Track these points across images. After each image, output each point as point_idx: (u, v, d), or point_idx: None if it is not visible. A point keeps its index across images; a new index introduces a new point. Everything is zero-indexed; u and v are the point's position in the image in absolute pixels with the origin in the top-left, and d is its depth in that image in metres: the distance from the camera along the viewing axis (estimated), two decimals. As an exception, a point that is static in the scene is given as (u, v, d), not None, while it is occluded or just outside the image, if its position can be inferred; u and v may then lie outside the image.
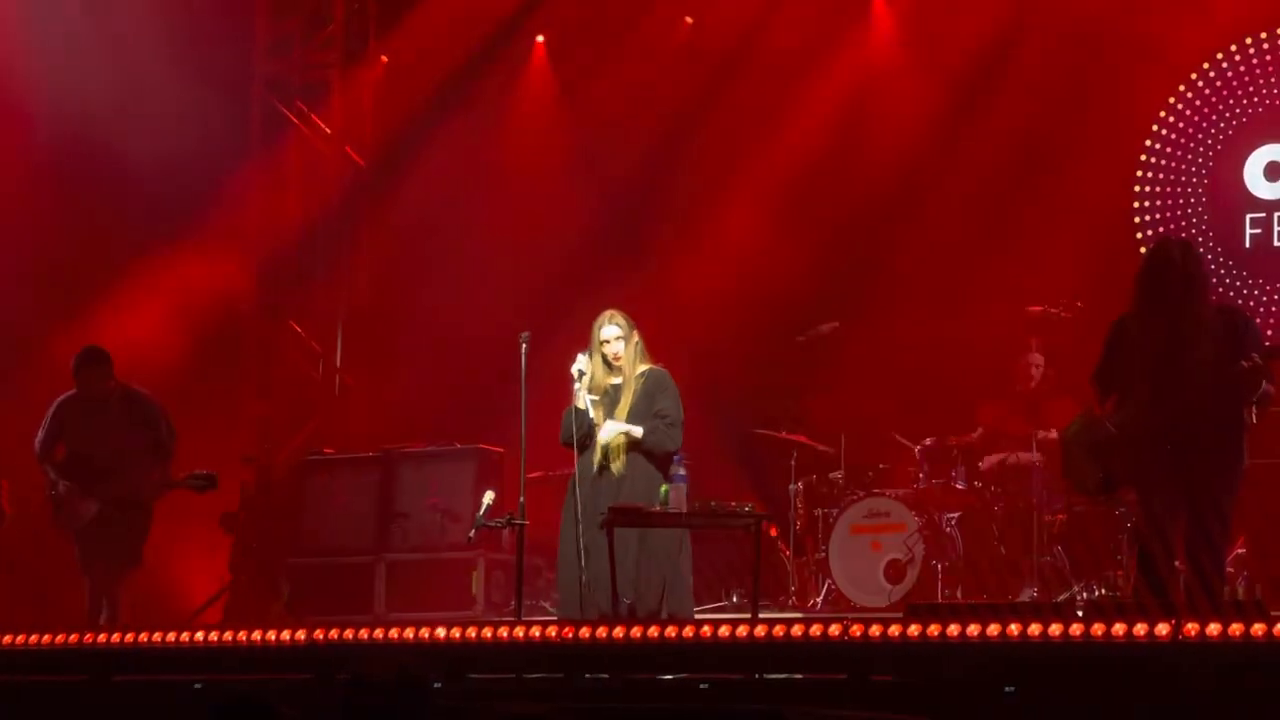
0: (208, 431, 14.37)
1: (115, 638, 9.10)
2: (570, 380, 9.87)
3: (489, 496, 10.02)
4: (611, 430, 9.83)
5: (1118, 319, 9.06)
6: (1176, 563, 8.76)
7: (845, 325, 13.42)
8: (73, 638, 9.21)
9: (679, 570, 9.84)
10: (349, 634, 8.70)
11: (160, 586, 13.65)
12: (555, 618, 9.95)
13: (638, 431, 9.85)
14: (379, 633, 8.71)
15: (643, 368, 9.96)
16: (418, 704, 5.24)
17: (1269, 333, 13.46)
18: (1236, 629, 7.12)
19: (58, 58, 14.23)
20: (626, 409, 9.87)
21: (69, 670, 9.11)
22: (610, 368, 9.93)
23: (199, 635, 9.06)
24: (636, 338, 9.94)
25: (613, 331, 9.91)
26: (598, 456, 9.84)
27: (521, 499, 9.77)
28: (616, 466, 9.80)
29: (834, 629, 7.80)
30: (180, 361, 14.08)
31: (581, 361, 9.88)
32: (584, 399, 9.82)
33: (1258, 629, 7.11)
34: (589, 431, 9.83)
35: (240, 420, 15.24)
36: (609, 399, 9.91)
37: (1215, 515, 8.62)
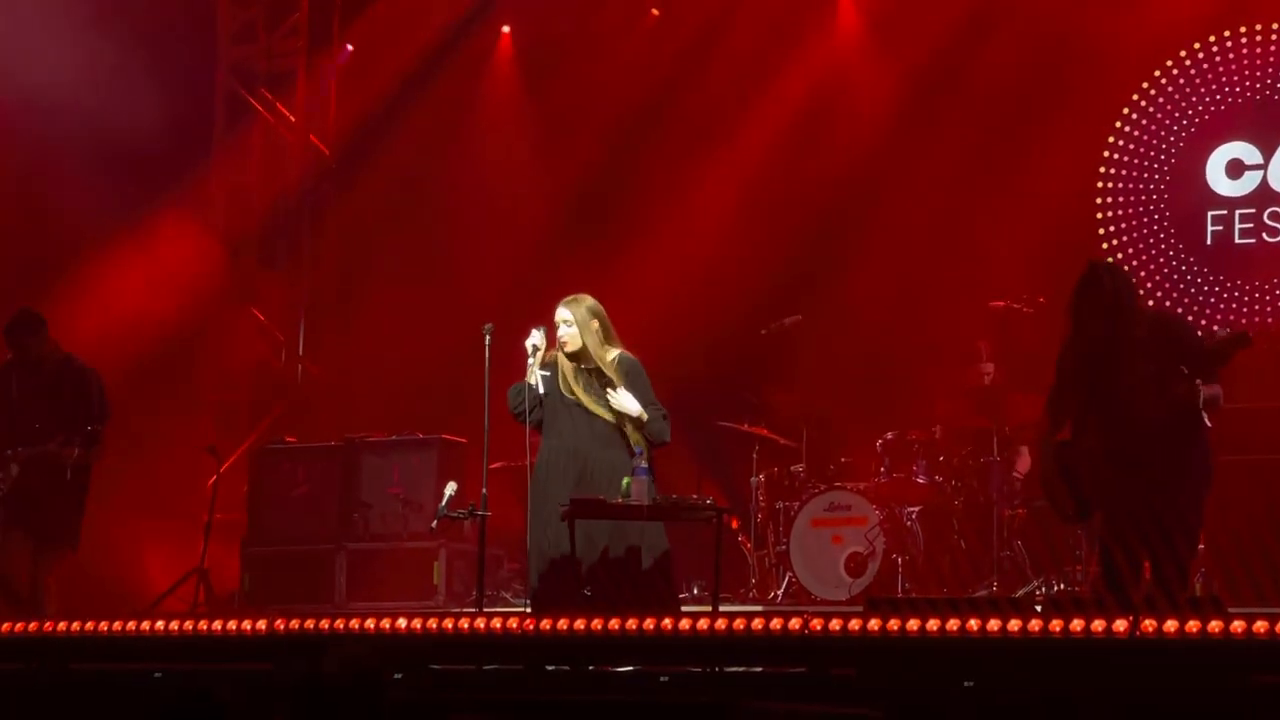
0: (168, 419, 14.37)
1: (75, 626, 9.06)
2: (525, 354, 9.76)
3: (451, 487, 9.99)
4: (624, 400, 9.66)
5: (1061, 348, 9.10)
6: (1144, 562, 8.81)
7: (808, 318, 13.43)
8: (31, 626, 9.18)
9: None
10: (309, 624, 8.69)
11: (127, 574, 13.67)
12: (516, 609, 9.95)
13: (640, 412, 9.65)
14: (339, 623, 8.70)
15: (614, 352, 9.78)
16: (372, 699, 5.21)
17: (1228, 329, 13.53)
18: (1193, 626, 7.15)
19: (19, 42, 14.18)
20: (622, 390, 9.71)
21: (25, 659, 9.07)
22: (566, 355, 9.80)
23: (159, 624, 9.02)
24: (596, 325, 9.72)
25: (563, 315, 9.73)
26: (566, 443, 9.76)
27: (484, 490, 9.75)
28: (586, 453, 9.70)
29: (794, 623, 7.81)
30: (141, 348, 14.04)
31: (536, 336, 9.73)
32: (535, 375, 9.71)
33: (1215, 626, 7.15)
34: (537, 405, 9.70)
35: (202, 408, 15.21)
36: (583, 376, 9.76)
37: (1181, 528, 8.65)
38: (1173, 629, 7.17)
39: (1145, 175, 14.21)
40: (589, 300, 9.82)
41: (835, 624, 7.74)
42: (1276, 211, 13.71)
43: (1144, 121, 14.23)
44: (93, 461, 11.30)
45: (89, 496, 11.38)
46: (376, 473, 13.63)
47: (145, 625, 9.01)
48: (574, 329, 9.70)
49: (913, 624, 7.59)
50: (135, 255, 14.52)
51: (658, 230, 14.74)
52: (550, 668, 8.19)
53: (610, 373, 9.70)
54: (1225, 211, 13.91)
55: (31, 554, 11.25)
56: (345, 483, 13.66)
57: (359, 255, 15.79)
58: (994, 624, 7.46)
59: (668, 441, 9.73)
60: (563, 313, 9.74)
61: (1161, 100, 14.19)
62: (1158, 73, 14.19)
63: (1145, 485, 8.65)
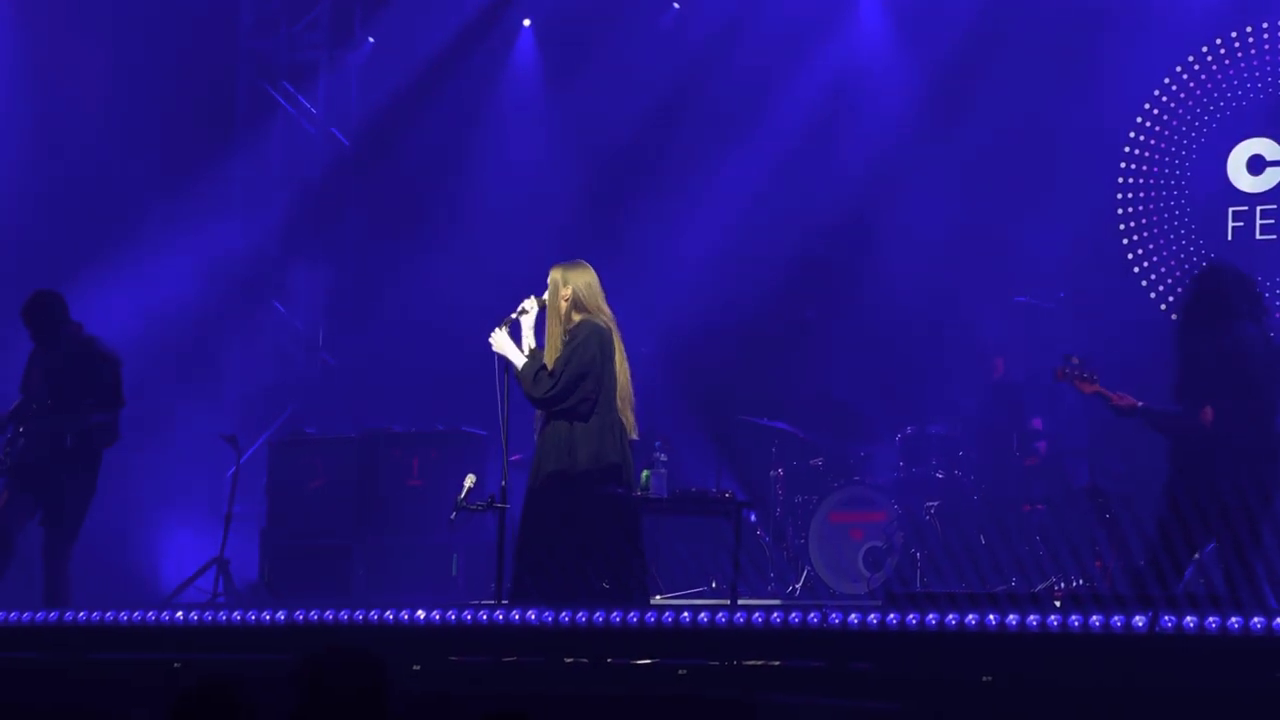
0: (189, 410, 14.40)
1: (95, 616, 9.09)
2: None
3: (470, 479, 10.00)
4: (497, 339, 9.58)
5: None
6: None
7: (828, 312, 13.44)
8: (51, 615, 9.21)
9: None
10: (328, 615, 8.71)
11: (146, 564, 13.71)
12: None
13: (516, 361, 9.54)
14: (359, 614, 8.72)
15: (577, 318, 9.57)
16: (376, 692, 5.21)
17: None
18: (1213, 622, 7.15)
19: (47, 31, 14.24)
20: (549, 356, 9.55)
21: (44, 648, 9.10)
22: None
23: (179, 615, 9.05)
24: (567, 292, 9.53)
25: (548, 277, 9.71)
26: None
27: (503, 482, 9.76)
28: (536, 427, 9.63)
29: (812, 616, 7.82)
30: (162, 340, 14.07)
31: (526, 302, 9.64)
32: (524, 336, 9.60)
33: (1234, 622, 7.15)
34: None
35: (221, 400, 15.24)
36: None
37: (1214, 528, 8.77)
38: (1192, 625, 7.18)
39: (1166, 170, 14.18)
40: (573, 266, 9.65)
41: (853, 618, 7.75)
42: (1298, 208, 13.71)
43: (1165, 116, 14.20)
44: (100, 447, 11.26)
45: (99, 485, 11.32)
46: (395, 465, 13.65)
47: (165, 616, 9.04)
48: (546, 293, 9.62)
49: (931, 619, 7.59)
50: (157, 246, 14.55)
51: (678, 223, 14.74)
52: (569, 661, 8.20)
53: (557, 337, 9.54)
54: (1246, 208, 13.88)
55: (50, 552, 11.23)
56: (364, 475, 13.68)
57: (379, 247, 15.80)
58: (1012, 619, 7.47)
59: (535, 397, 9.45)
60: (549, 275, 9.68)
61: (1183, 95, 14.15)
62: (1179, 68, 14.16)
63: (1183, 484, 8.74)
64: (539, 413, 9.62)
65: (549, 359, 9.52)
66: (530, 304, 9.63)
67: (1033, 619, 7.43)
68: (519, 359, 9.54)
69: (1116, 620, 7.29)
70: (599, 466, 9.42)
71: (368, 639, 8.35)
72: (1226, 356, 9.17)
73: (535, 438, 9.65)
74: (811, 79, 14.74)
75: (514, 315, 9.64)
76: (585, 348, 9.44)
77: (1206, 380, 9.14)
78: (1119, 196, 14.27)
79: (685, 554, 12.25)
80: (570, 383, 9.41)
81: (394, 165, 15.79)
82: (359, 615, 8.67)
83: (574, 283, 9.58)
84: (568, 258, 9.80)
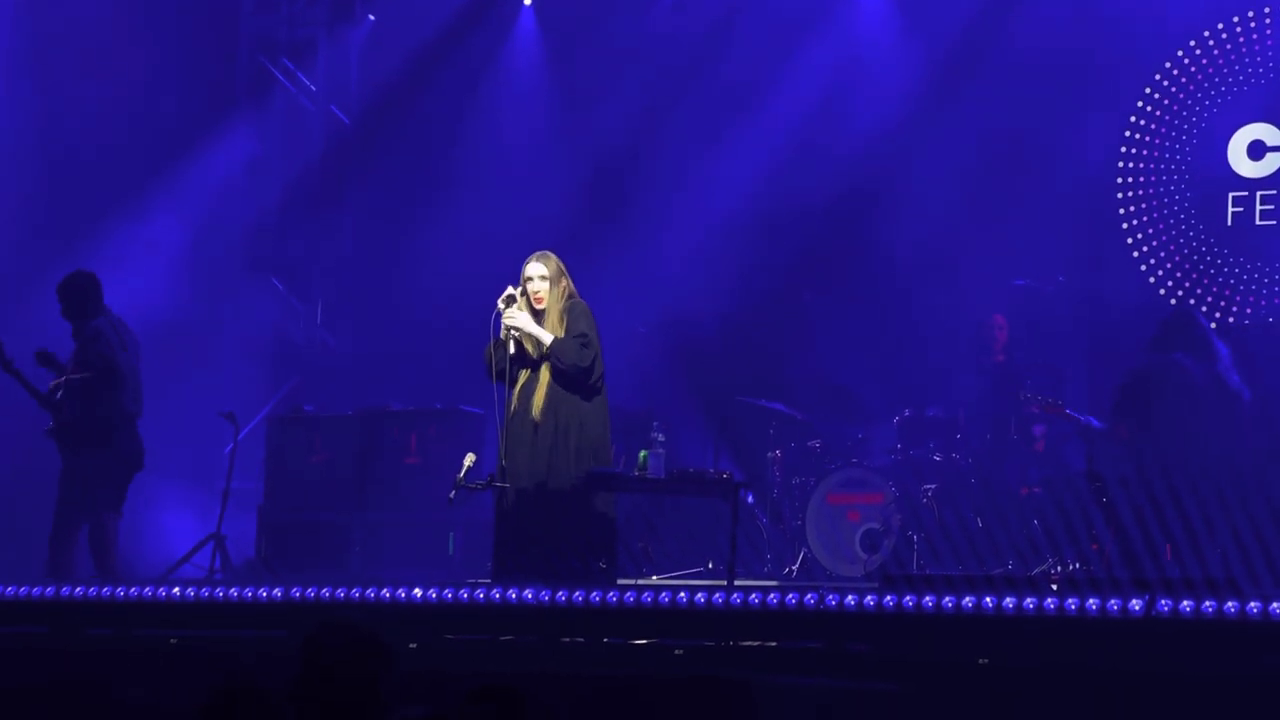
0: (187, 386, 14.40)
1: (91, 591, 9.10)
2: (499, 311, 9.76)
3: (469, 458, 10.01)
4: (520, 319, 9.69)
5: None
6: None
7: (828, 294, 13.43)
8: (47, 590, 9.22)
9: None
10: (325, 592, 8.73)
11: (143, 539, 13.70)
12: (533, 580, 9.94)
13: (546, 337, 9.66)
14: (355, 591, 8.73)
15: (567, 304, 9.80)
16: (377, 671, 5.21)
17: (1249, 311, 13.55)
18: (1209, 606, 7.17)
19: (45, 11, 14.23)
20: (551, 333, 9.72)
21: (38, 623, 9.12)
22: (534, 310, 9.82)
23: (175, 590, 9.07)
24: (565, 282, 9.79)
25: (537, 270, 9.77)
26: (514, 398, 9.78)
27: (502, 461, 9.78)
28: (536, 408, 9.70)
29: (809, 598, 7.83)
30: (160, 316, 14.06)
31: (514, 290, 9.76)
32: (516, 318, 9.71)
33: (1230, 606, 7.16)
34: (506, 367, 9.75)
35: (220, 376, 15.23)
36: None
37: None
38: (1188, 609, 7.19)
39: (1166, 155, 14.16)
40: (552, 256, 9.90)
41: (850, 600, 7.77)
42: (1298, 194, 13.69)
43: (1165, 101, 14.17)
44: (103, 429, 11.31)
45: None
46: (393, 443, 13.65)
47: (163, 591, 9.06)
48: (547, 283, 9.71)
49: (928, 601, 7.61)
50: (155, 223, 14.55)
51: (677, 203, 14.73)
52: (565, 640, 8.21)
53: (558, 320, 9.71)
54: (1246, 193, 13.86)
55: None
56: (362, 452, 13.68)
57: (378, 226, 15.79)
58: (1009, 602, 7.48)
59: (582, 367, 9.62)
60: (536, 268, 9.77)
61: (1184, 80, 14.13)
62: (1180, 52, 14.13)
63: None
64: (527, 383, 9.67)
65: (550, 325, 9.72)
66: (517, 293, 9.74)
67: (1029, 602, 7.44)
68: (545, 335, 9.67)
69: (1113, 604, 7.30)
70: (604, 445, 9.68)
71: (364, 616, 8.35)
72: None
73: (515, 403, 9.69)
74: (812, 60, 14.70)
75: (501, 305, 9.72)
76: (593, 326, 9.71)
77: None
78: (1119, 180, 14.25)
79: (682, 534, 12.26)
80: (598, 354, 9.70)
81: (393, 143, 15.76)
82: (355, 593, 8.69)
83: (566, 273, 9.84)
84: (568, 236, 9.99)
